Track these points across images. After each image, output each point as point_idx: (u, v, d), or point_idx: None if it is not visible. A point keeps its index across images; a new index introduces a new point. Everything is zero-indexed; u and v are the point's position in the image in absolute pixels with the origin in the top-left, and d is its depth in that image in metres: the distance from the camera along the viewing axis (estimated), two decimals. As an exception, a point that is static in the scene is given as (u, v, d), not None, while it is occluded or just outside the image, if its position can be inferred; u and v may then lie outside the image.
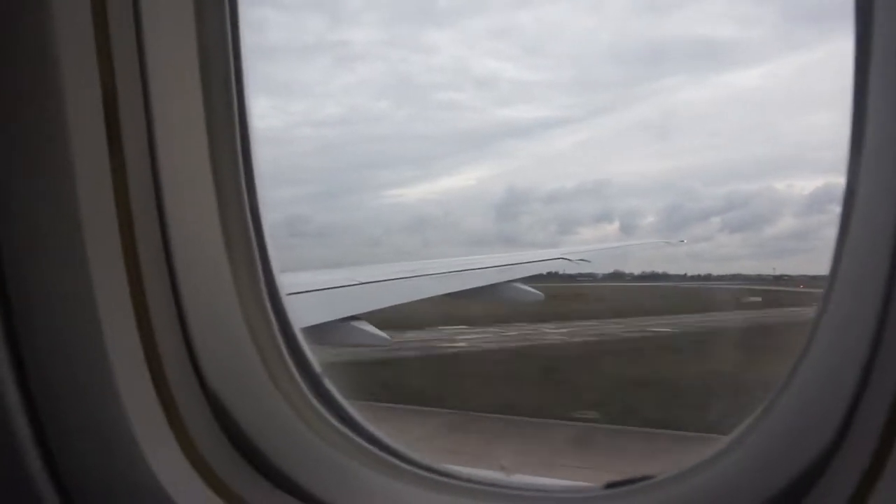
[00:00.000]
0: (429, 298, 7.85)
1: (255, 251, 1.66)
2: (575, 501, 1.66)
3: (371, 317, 6.26)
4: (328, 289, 6.50)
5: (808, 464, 1.40)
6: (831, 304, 1.42)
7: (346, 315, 6.13)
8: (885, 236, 1.29)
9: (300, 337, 1.78)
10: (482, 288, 8.41)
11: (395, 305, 7.08)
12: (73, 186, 1.36)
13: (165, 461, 1.47)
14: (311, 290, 6.21)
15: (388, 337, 6.39)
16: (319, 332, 5.50)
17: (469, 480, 1.67)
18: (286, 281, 1.77)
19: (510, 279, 8.70)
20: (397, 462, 1.70)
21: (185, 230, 1.56)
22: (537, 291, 9.11)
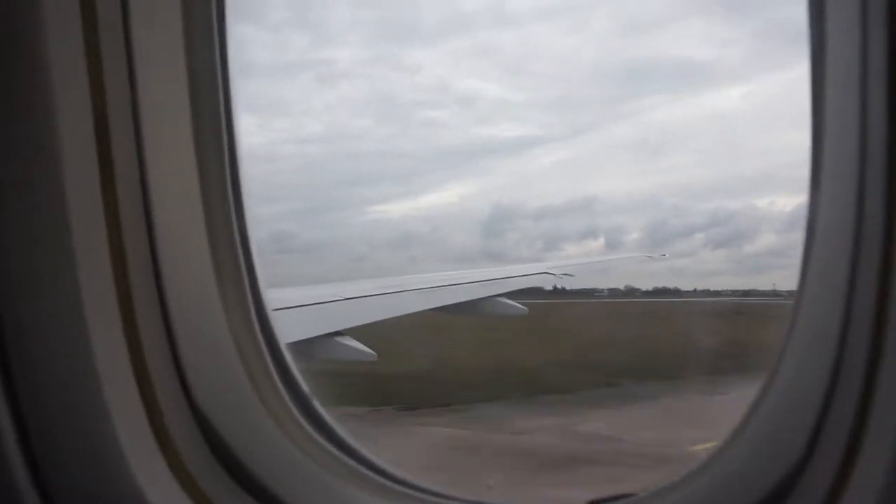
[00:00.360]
0: (415, 313, 7.86)
1: (242, 267, 1.68)
2: None
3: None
4: (313, 304, 6.49)
5: (779, 480, 1.44)
6: (797, 326, 1.47)
7: (331, 331, 6.12)
8: (843, 257, 1.34)
9: (286, 353, 1.78)
10: (467, 303, 8.44)
11: (383, 320, 7.08)
12: (63, 204, 1.38)
13: (152, 476, 1.48)
14: (296, 305, 6.19)
15: (373, 352, 6.37)
16: (304, 348, 5.48)
17: (454, 499, 1.68)
18: (272, 297, 1.78)
19: (496, 294, 8.73)
20: (383, 480, 1.70)
21: (174, 246, 1.58)
22: (522, 306, 9.15)
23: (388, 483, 1.70)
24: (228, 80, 1.61)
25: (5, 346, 1.41)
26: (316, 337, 5.76)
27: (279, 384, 1.72)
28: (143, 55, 1.49)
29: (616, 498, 1.60)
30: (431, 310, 8.15)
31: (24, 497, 1.42)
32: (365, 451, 1.75)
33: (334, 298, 6.82)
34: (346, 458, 1.71)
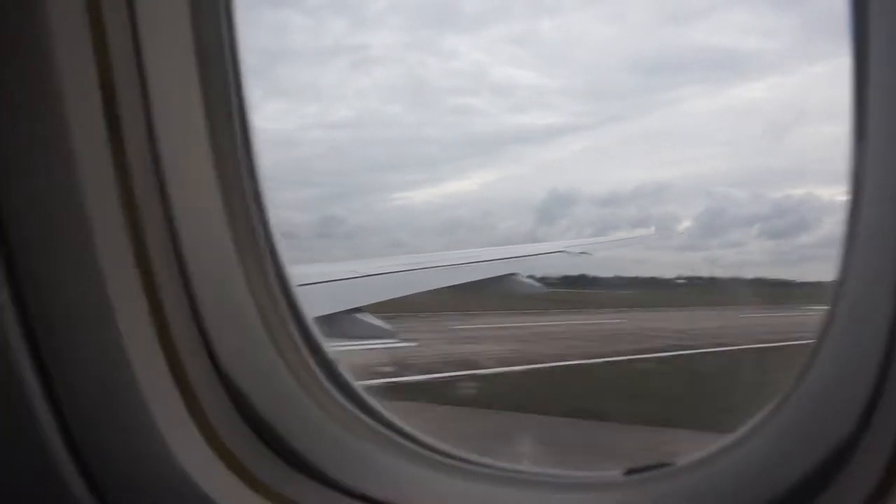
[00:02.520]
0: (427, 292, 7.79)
1: (261, 238, 1.67)
2: (594, 488, 1.64)
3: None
4: (329, 281, 6.42)
5: (829, 453, 1.38)
6: (846, 294, 1.41)
7: (346, 308, 6.05)
8: None
9: (311, 322, 1.77)
10: (484, 280, 8.37)
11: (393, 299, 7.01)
12: (78, 186, 1.37)
13: (186, 445, 1.49)
14: (311, 282, 6.12)
15: (392, 329, 6.32)
16: (320, 326, 5.39)
17: (485, 466, 1.67)
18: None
19: (513, 272, 8.64)
20: (413, 446, 1.70)
21: (191, 219, 1.57)
22: (539, 283, 9.07)
23: (418, 448, 1.69)
24: (238, 54, 1.59)
25: (36, 336, 1.42)
26: (332, 314, 5.69)
27: (305, 352, 1.72)
28: (150, 34, 1.47)
29: (654, 467, 1.57)
30: (446, 288, 8.07)
31: (68, 480, 1.44)
32: (394, 419, 1.75)
33: (351, 275, 6.75)
34: (371, 422, 1.72)
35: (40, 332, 1.41)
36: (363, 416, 1.72)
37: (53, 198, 1.38)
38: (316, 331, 1.78)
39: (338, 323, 5.70)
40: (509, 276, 8.58)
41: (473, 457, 1.69)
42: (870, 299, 1.35)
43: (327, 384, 1.72)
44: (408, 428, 1.74)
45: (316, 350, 1.75)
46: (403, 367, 14.99)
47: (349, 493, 1.61)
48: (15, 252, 1.39)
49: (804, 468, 1.40)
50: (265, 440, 1.64)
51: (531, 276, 8.85)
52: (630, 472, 1.58)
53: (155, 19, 1.48)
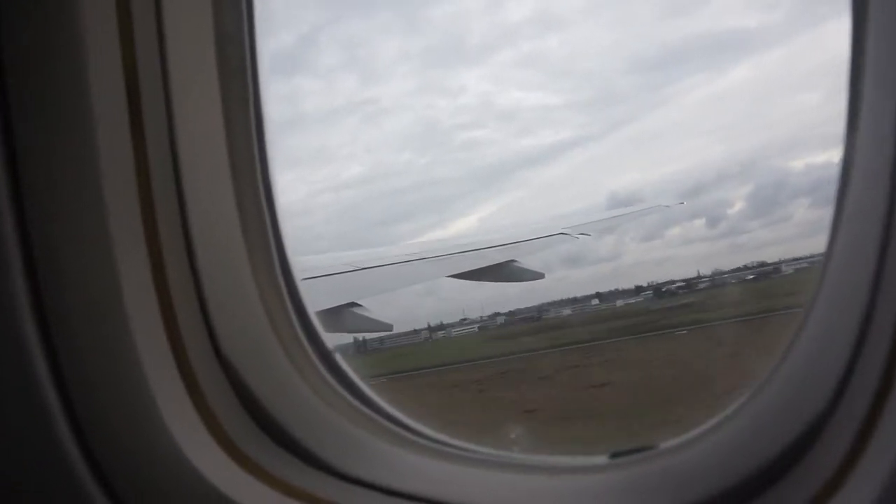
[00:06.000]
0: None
1: (269, 235, 1.73)
2: (580, 471, 1.69)
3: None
4: (323, 276, 6.23)
5: (803, 429, 1.46)
6: (826, 280, 1.48)
7: (341, 304, 5.87)
8: (877, 213, 1.35)
9: (312, 315, 1.82)
10: (483, 269, 8.18)
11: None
12: (98, 182, 1.45)
13: (189, 435, 1.56)
14: (305, 277, 5.92)
15: (390, 323, 6.15)
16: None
17: (475, 452, 1.73)
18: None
19: (511, 259, 8.45)
20: (406, 434, 1.76)
21: (204, 215, 1.64)
22: (538, 270, 8.91)
23: (408, 435, 1.76)
24: (256, 54, 1.66)
25: (49, 325, 1.48)
26: (328, 308, 5.51)
27: (306, 344, 1.78)
28: (173, 32, 1.54)
29: (638, 450, 1.63)
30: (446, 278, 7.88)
31: (75, 468, 1.50)
32: (386, 406, 1.82)
33: (345, 269, 6.55)
34: (367, 411, 1.78)
35: (54, 324, 1.48)
36: (360, 406, 1.77)
37: (74, 194, 1.45)
38: (317, 324, 1.82)
39: (332, 318, 5.52)
40: (508, 263, 8.39)
41: (463, 444, 1.74)
42: (846, 289, 1.42)
43: (327, 375, 1.77)
44: (402, 416, 1.80)
45: (317, 343, 1.80)
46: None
47: (346, 477, 1.67)
48: (35, 247, 1.46)
49: (781, 444, 1.47)
50: (266, 429, 1.70)
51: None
52: (615, 455, 1.64)
53: (178, 17, 1.55)
